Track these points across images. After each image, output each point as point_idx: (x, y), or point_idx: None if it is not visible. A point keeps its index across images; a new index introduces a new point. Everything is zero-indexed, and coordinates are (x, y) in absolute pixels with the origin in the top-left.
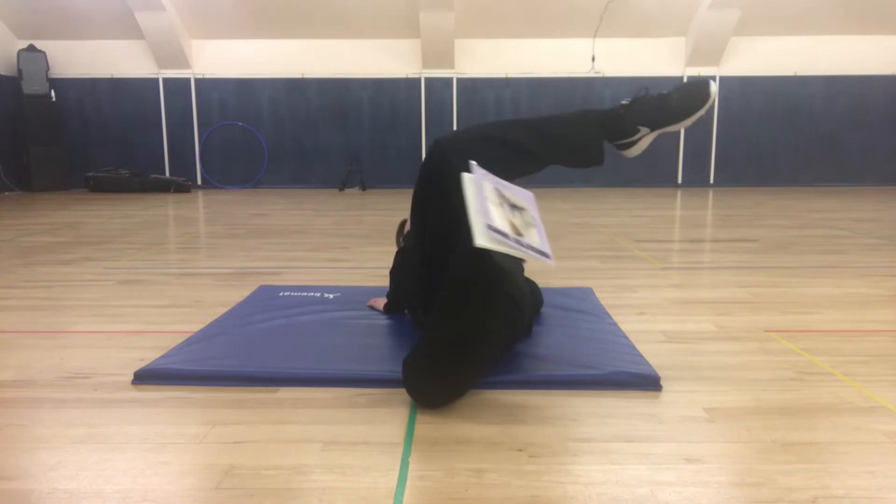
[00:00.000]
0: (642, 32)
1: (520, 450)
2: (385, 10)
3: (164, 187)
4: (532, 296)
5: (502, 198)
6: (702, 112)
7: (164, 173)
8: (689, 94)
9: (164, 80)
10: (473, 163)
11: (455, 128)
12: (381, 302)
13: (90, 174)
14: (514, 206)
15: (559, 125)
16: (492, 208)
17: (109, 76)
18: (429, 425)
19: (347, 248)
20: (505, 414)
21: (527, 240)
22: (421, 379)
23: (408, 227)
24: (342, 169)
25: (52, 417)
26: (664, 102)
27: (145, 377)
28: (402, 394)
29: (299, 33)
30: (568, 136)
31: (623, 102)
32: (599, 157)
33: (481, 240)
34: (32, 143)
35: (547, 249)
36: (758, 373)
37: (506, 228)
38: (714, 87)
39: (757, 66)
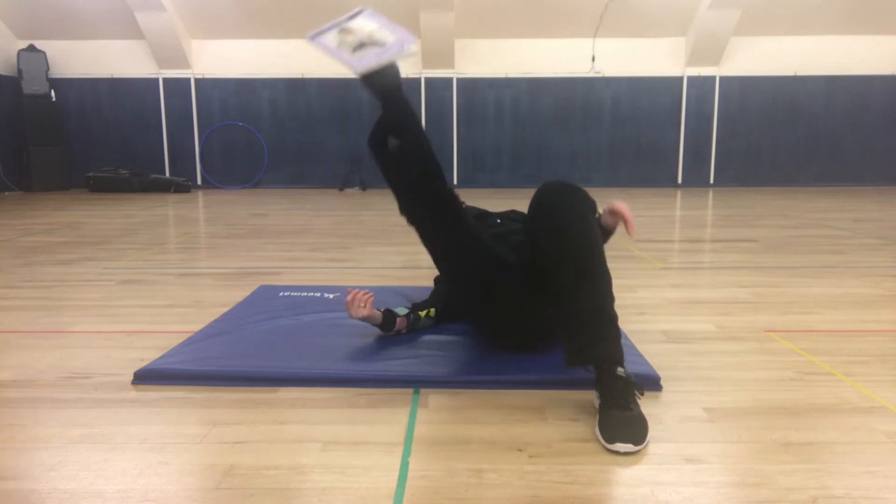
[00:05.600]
0: (642, 32)
1: (520, 450)
2: (385, 10)
3: (164, 187)
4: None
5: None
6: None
7: (164, 173)
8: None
9: (164, 80)
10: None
11: (455, 129)
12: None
13: (90, 174)
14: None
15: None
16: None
17: (109, 76)
18: (429, 425)
19: (347, 248)
20: (505, 414)
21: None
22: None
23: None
24: (342, 169)
25: (52, 417)
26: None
27: (145, 377)
28: (402, 394)
29: (299, 33)
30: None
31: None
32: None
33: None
34: (32, 143)
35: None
36: (758, 373)
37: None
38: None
39: (757, 66)
